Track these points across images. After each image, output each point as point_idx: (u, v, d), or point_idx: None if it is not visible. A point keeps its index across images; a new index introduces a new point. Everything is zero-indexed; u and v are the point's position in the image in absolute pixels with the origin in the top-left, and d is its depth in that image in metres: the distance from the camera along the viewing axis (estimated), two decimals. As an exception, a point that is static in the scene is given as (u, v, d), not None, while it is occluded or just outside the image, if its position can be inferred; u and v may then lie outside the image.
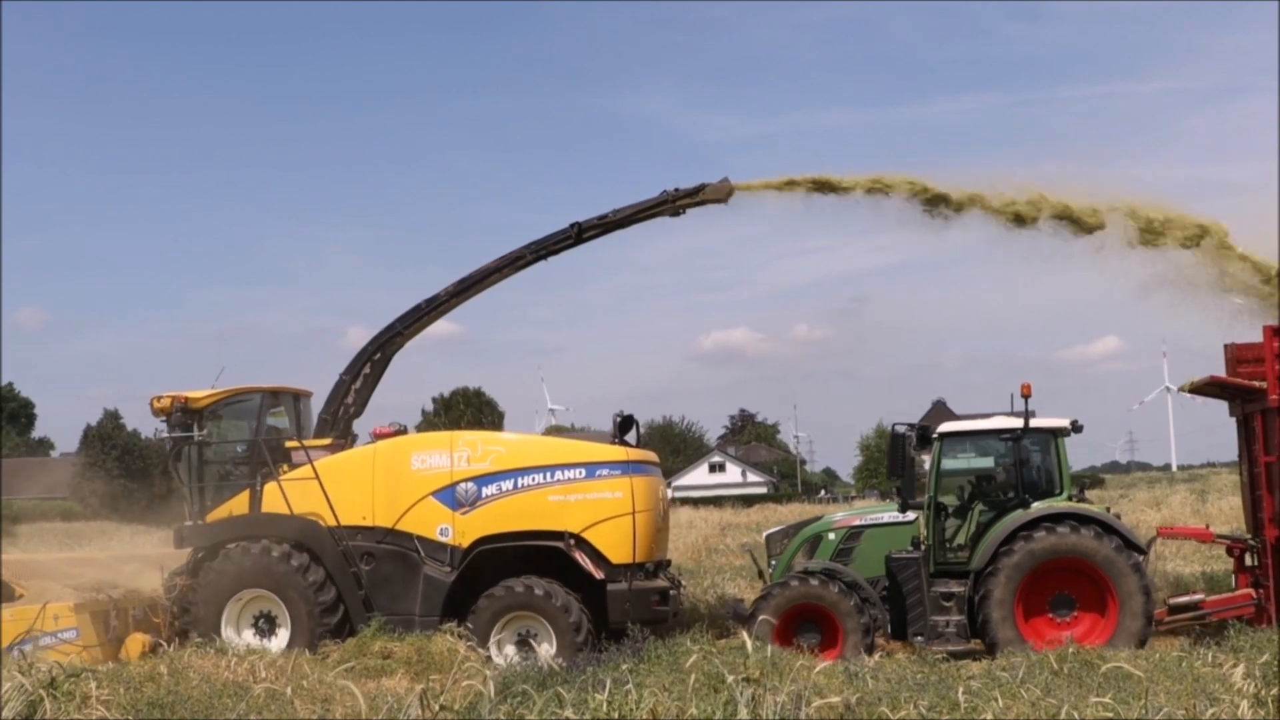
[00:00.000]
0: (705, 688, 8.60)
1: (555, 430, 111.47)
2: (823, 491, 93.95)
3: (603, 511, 15.70)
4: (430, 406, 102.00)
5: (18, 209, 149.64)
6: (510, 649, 15.28)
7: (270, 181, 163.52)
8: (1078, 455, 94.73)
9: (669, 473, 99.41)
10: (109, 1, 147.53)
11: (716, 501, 66.72)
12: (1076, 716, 8.07)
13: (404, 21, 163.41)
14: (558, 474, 15.79)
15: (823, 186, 17.24)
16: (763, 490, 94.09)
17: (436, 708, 7.79)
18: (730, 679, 8.28)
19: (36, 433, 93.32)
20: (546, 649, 14.95)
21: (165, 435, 16.45)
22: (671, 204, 17.20)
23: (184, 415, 16.44)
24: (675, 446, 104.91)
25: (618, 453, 16.02)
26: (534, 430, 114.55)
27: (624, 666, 9.23)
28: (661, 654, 10.34)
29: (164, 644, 15.62)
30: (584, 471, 15.81)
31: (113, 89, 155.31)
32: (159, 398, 16.57)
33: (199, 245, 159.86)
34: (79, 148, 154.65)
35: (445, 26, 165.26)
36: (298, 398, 17.57)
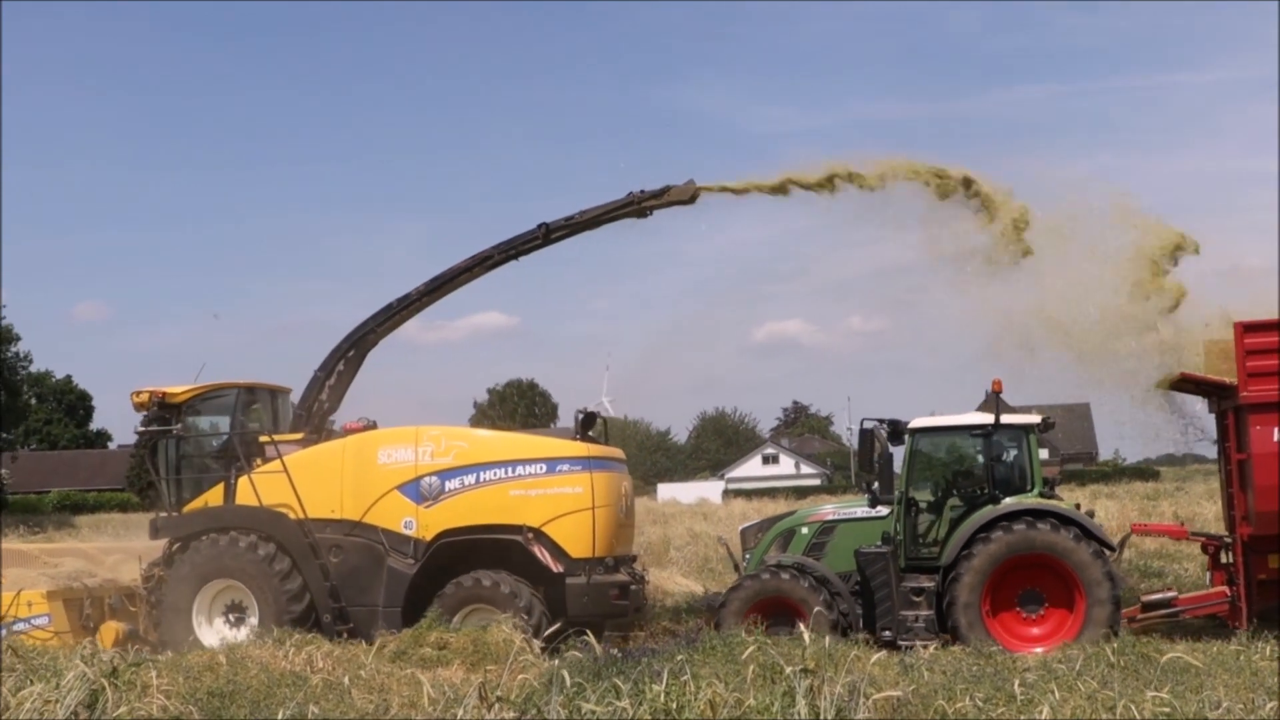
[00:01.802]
0: (760, 678, 8.67)
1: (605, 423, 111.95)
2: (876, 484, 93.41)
3: (563, 506, 15.96)
4: (484, 398, 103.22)
5: (79, 205, 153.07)
6: None
7: (328, 174, 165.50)
8: (1133, 448, 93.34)
9: (721, 465, 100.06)
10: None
11: (770, 493, 66.59)
12: (1134, 710, 8.08)
13: (462, 13, 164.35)
14: (519, 469, 16.08)
15: (781, 189, 17.30)
16: (816, 482, 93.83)
17: (494, 699, 7.91)
18: (788, 670, 8.33)
19: (95, 425, 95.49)
20: None
21: (142, 429, 16.94)
22: (637, 205, 17.38)
23: (161, 409, 16.93)
24: (728, 438, 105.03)
25: (578, 448, 16.28)
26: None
27: (679, 657, 9.30)
28: (716, 645, 10.44)
29: (139, 632, 16.26)
30: (545, 467, 16.07)
31: (171, 84, 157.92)
32: (138, 392, 17.11)
33: (258, 238, 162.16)
34: (139, 143, 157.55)
35: (503, 18, 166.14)
36: (275, 393, 18.02)
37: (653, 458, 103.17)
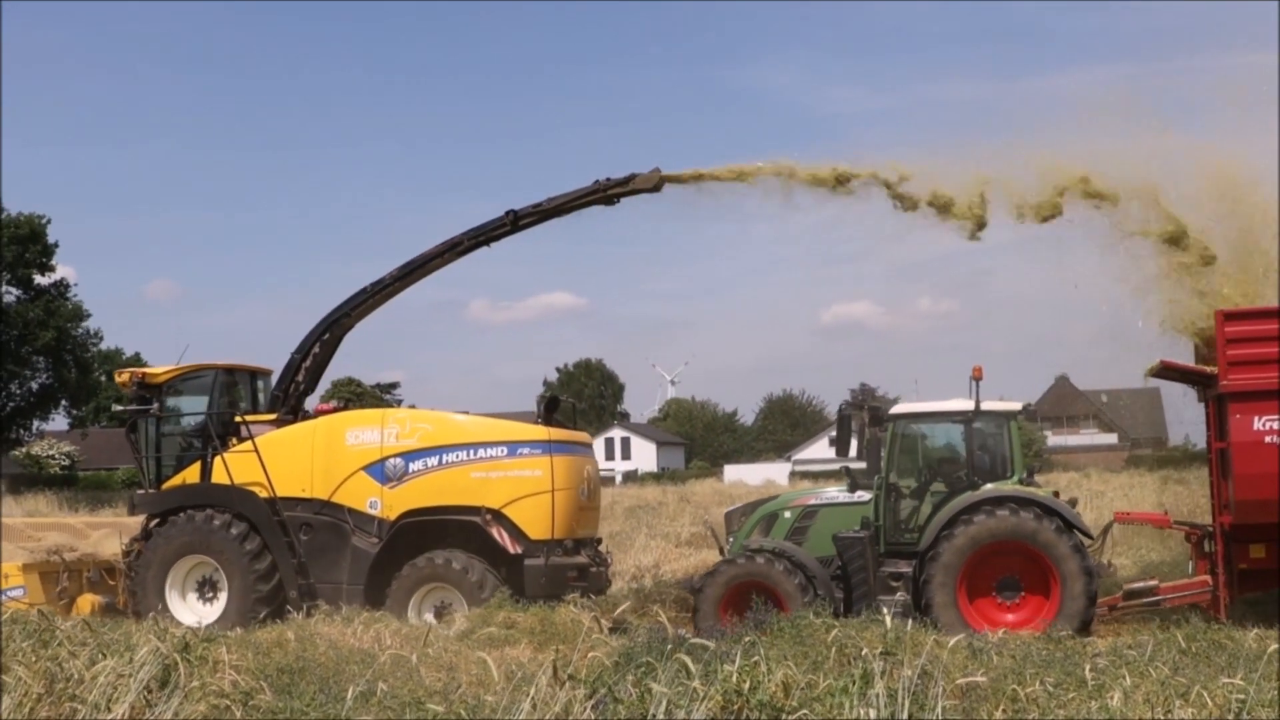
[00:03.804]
0: (829, 660, 8.71)
1: (673, 403, 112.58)
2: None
3: (523, 489, 16.23)
4: (554, 377, 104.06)
5: (151, 184, 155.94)
6: (429, 618, 15.94)
7: (392, 155, 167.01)
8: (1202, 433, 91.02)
9: (787, 446, 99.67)
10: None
11: (837, 475, 65.95)
12: (1206, 698, 7.98)
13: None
14: (480, 451, 16.37)
15: (741, 177, 17.35)
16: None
17: (565, 677, 7.90)
18: (866, 651, 8.36)
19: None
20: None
21: (120, 409, 17.48)
22: (603, 193, 17.53)
23: (142, 389, 17.47)
24: (795, 420, 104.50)
25: (539, 432, 16.52)
26: (653, 404, 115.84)
27: (746, 639, 9.26)
28: (784, 626, 10.45)
29: (117, 605, 16.83)
30: (506, 450, 16.35)
31: (241, 66, 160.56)
32: (120, 372, 17.75)
33: (327, 218, 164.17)
34: (210, 123, 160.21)
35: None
36: (255, 375, 18.51)
37: (719, 439, 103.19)
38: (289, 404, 17.84)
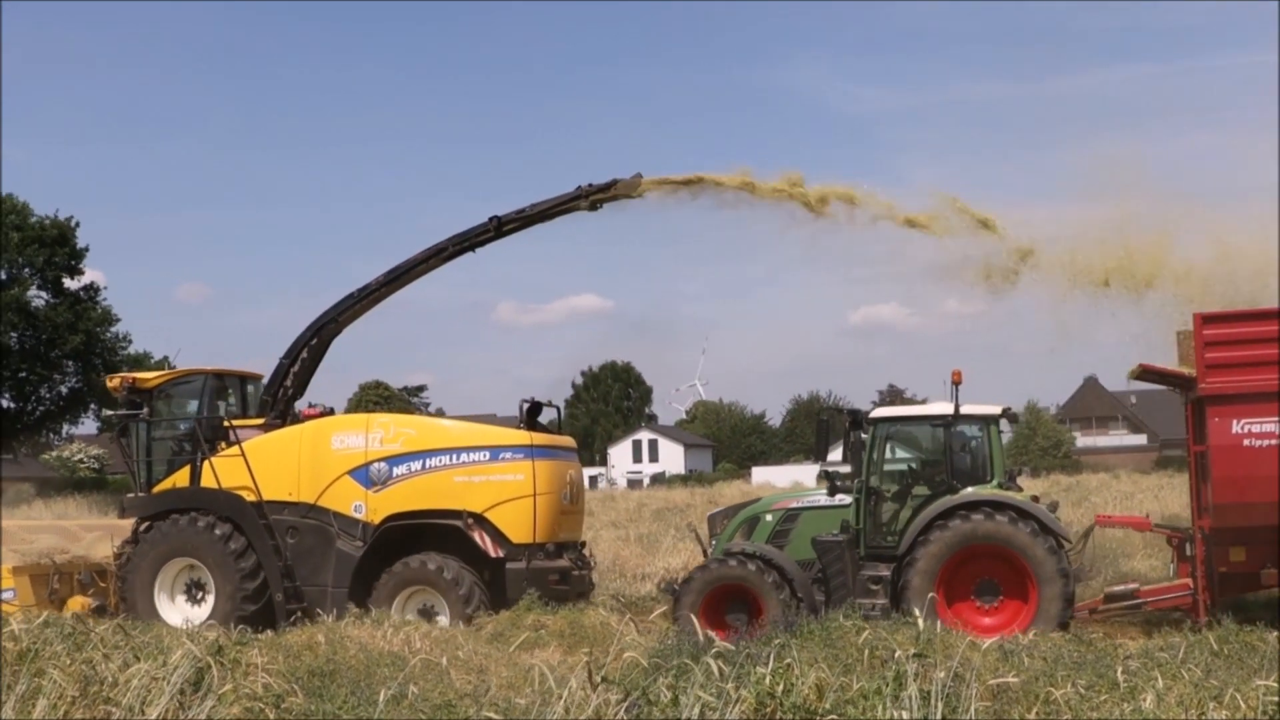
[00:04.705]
0: (859, 663, 8.75)
1: (700, 405, 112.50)
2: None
3: (505, 493, 16.36)
4: (580, 380, 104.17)
5: (180, 185, 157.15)
6: (413, 619, 16.06)
7: (421, 155, 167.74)
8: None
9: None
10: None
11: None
12: (1240, 701, 7.92)
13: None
14: (463, 456, 16.51)
15: (695, 186, 17.47)
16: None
17: (598, 680, 7.94)
18: (899, 653, 8.34)
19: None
20: (443, 620, 15.76)
21: (110, 413, 17.71)
22: (585, 198, 17.67)
23: (133, 394, 17.70)
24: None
25: (521, 437, 16.64)
26: (682, 405, 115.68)
27: (775, 641, 9.34)
28: (814, 629, 10.50)
29: (108, 607, 17.04)
30: (488, 454, 16.49)
31: (269, 65, 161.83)
32: (112, 377, 18.00)
33: (355, 219, 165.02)
34: (238, 123, 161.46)
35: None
36: (245, 380, 18.70)
37: (747, 441, 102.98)
38: (278, 408, 18.01)
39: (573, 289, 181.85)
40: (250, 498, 16.94)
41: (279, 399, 18.06)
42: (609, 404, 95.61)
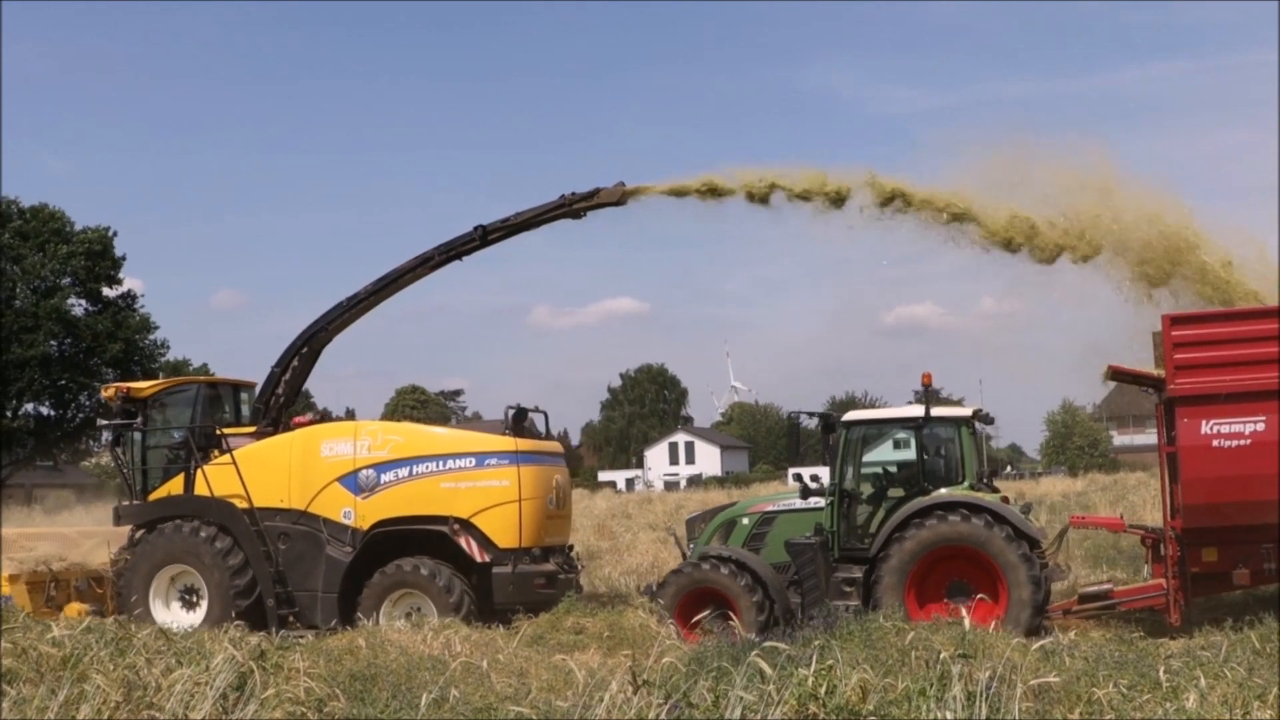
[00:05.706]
0: (900, 664, 8.82)
1: (737, 407, 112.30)
2: (1009, 468, 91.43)
3: (491, 498, 16.56)
4: (617, 383, 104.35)
5: (214, 192, 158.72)
6: (400, 623, 16.28)
7: (451, 160, 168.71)
8: None
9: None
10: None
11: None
12: None
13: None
14: (449, 462, 16.72)
15: (709, 192, 17.49)
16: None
17: (640, 682, 8.00)
18: (944, 655, 8.34)
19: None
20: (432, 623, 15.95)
21: (106, 423, 18.07)
22: (569, 207, 17.85)
23: (127, 404, 18.05)
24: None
25: (506, 443, 16.82)
26: (717, 407, 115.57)
27: (816, 643, 9.39)
28: (854, 630, 10.59)
29: (104, 614, 17.35)
30: (474, 460, 16.69)
31: (303, 72, 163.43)
32: (107, 387, 18.37)
33: (387, 224, 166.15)
34: (272, 130, 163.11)
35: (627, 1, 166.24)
36: (238, 388, 19.03)
37: (783, 442, 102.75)
38: (270, 416, 18.29)
39: (608, 292, 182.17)
40: (242, 505, 17.23)
41: (271, 407, 18.34)
42: (645, 406, 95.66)
